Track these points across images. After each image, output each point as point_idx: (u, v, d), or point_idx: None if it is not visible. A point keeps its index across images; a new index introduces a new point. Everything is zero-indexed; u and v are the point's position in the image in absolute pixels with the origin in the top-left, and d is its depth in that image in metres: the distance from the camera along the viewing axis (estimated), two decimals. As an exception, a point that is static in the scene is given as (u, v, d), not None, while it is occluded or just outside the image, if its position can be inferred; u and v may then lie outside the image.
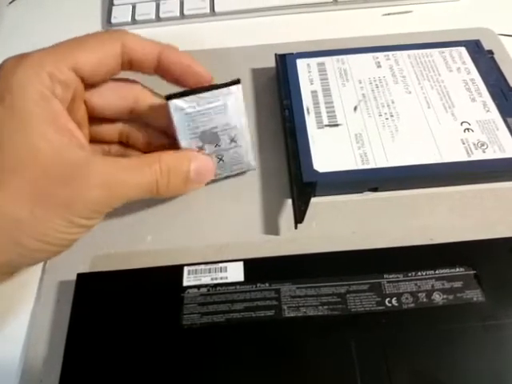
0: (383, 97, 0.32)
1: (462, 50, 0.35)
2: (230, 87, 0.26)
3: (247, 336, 0.24)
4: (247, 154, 0.29)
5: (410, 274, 0.25)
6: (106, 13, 0.43)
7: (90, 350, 0.24)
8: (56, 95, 0.23)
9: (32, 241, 0.22)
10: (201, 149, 0.27)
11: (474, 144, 0.29)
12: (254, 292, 0.25)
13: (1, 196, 0.21)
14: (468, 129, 0.30)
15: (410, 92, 0.32)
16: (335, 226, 0.29)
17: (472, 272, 0.25)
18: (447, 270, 0.25)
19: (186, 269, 0.26)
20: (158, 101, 0.28)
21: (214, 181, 0.30)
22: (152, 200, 0.31)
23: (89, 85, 0.26)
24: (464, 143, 0.30)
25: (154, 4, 0.42)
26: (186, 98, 0.26)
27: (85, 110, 0.27)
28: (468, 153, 0.29)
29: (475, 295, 0.25)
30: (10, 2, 0.45)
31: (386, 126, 0.31)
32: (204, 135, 0.27)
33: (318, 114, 0.32)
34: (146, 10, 0.42)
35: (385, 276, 0.25)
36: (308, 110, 0.32)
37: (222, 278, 0.26)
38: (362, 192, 0.30)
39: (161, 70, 0.26)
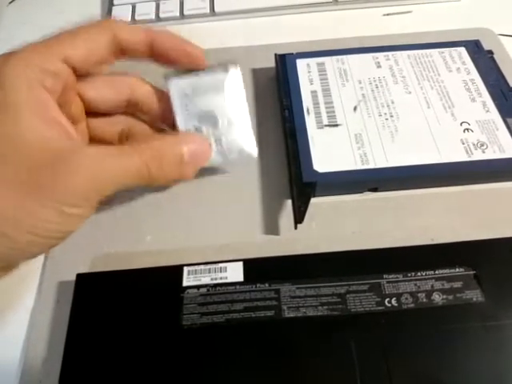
0: (383, 97, 0.32)
1: (462, 50, 0.35)
2: (228, 66, 0.26)
3: (247, 336, 0.24)
4: (247, 140, 0.28)
5: (409, 274, 0.25)
6: (105, 13, 0.43)
7: (89, 351, 0.24)
8: (46, 87, 0.23)
9: (20, 232, 0.21)
10: (198, 130, 0.27)
11: (474, 144, 0.29)
12: (253, 292, 0.25)
13: None
14: (468, 129, 0.30)
15: (409, 92, 0.32)
16: (335, 226, 0.29)
17: (472, 272, 0.25)
18: (447, 270, 0.25)
19: (185, 269, 0.26)
20: (153, 88, 0.27)
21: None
22: (152, 200, 0.31)
23: (81, 76, 0.25)
24: (464, 143, 0.30)
25: (153, 4, 0.42)
26: (184, 76, 0.26)
27: (81, 104, 0.27)
28: (468, 153, 0.29)
29: (475, 295, 0.25)
30: (10, 2, 0.45)
31: (385, 126, 0.31)
32: (202, 116, 0.27)
33: (317, 114, 0.31)
34: (146, 10, 0.42)
35: (384, 276, 0.25)
36: (308, 110, 0.32)
37: (221, 278, 0.26)
38: (361, 192, 0.30)
39: (154, 55, 0.26)
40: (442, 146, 0.29)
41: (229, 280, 0.26)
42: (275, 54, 0.35)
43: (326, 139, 0.30)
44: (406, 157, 0.29)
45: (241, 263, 0.26)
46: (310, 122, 0.31)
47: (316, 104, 0.32)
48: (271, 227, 0.29)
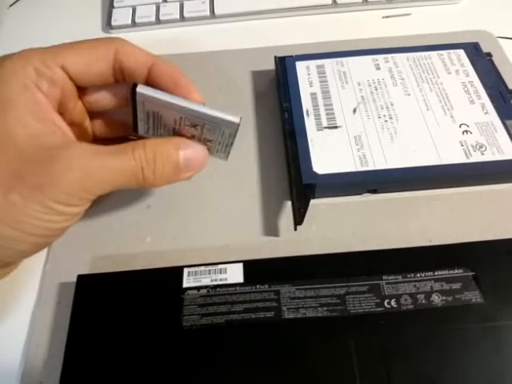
0: (382, 99, 0.32)
1: (461, 52, 0.35)
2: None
3: (247, 337, 0.24)
4: (219, 116, 0.24)
5: (408, 276, 0.25)
6: (106, 15, 0.43)
7: (90, 352, 0.24)
8: (41, 89, 0.23)
9: (6, 228, 0.21)
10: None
11: (473, 146, 0.30)
12: (253, 293, 0.25)
13: None
14: (467, 131, 0.30)
15: (408, 94, 0.33)
16: (334, 227, 0.29)
17: (471, 273, 0.25)
18: (446, 272, 0.25)
19: (185, 270, 0.26)
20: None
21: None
22: (151, 201, 0.31)
23: (81, 87, 0.25)
24: (463, 145, 0.30)
25: (154, 7, 0.42)
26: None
27: (83, 109, 0.27)
28: (467, 155, 0.29)
29: (474, 296, 0.25)
30: (11, 5, 0.46)
31: (385, 128, 0.31)
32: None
33: (317, 116, 0.32)
34: (146, 13, 0.42)
35: (384, 277, 0.25)
36: (307, 112, 0.32)
37: (221, 280, 0.26)
38: (361, 194, 0.30)
39: (151, 80, 0.26)
40: (441, 147, 0.30)
41: (229, 281, 0.26)
42: (275, 57, 0.36)
43: (326, 141, 0.30)
44: (405, 158, 0.29)
45: (241, 264, 0.26)
46: (310, 123, 0.31)
47: (315, 106, 0.32)
48: (271, 228, 0.29)
